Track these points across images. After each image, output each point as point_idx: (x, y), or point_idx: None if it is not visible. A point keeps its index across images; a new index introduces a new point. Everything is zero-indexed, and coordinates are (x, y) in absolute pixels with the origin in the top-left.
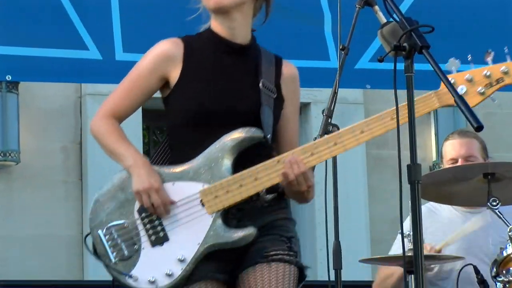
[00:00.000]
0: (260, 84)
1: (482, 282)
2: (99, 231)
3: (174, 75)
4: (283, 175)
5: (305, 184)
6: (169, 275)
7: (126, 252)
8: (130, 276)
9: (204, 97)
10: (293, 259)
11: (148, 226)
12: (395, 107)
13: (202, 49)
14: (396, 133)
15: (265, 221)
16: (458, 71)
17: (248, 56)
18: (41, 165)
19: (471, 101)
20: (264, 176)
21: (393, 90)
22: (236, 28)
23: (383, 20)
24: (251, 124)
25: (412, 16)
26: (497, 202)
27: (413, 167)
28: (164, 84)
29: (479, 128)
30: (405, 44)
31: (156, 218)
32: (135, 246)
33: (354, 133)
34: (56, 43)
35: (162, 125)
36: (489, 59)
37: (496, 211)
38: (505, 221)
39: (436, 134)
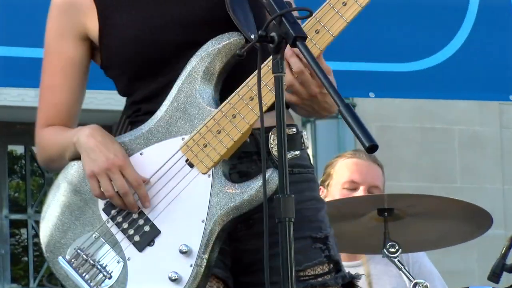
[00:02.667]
0: None
1: None
2: (60, 258)
3: (92, 24)
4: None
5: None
6: (176, 280)
7: (107, 275)
8: None
9: (139, 27)
10: (338, 279)
11: (125, 225)
12: None
13: None
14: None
15: None
16: None
17: None
18: None
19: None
20: (242, 107)
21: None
22: None
23: None
24: (221, 33)
25: None
26: (397, 248)
27: (284, 199)
28: (90, 43)
29: (373, 148)
30: (272, 34)
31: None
32: (117, 260)
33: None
34: None
35: None
36: None
37: (395, 260)
38: (407, 274)
39: (315, 156)
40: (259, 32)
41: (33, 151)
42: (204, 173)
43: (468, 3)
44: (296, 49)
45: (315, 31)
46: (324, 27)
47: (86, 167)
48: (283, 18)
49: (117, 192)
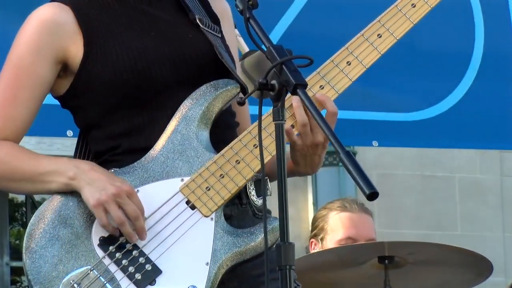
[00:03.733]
0: (197, 21)
1: None
2: None
3: (75, 49)
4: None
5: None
6: None
7: None
8: None
9: (136, 57)
10: None
11: (125, 262)
12: None
13: (100, 2)
14: None
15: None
16: None
17: None
18: None
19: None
20: (246, 155)
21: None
22: None
23: (245, 48)
24: (212, 78)
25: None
26: None
27: (284, 247)
28: (60, 69)
29: (373, 195)
30: (273, 82)
31: (132, 247)
32: None
33: (367, 40)
34: None
35: None
36: None
37: None
38: None
39: (315, 203)
40: (260, 80)
41: (34, 198)
42: (207, 216)
43: (472, 53)
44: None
45: (347, 63)
46: (357, 58)
47: (90, 197)
48: (283, 66)
49: (127, 217)
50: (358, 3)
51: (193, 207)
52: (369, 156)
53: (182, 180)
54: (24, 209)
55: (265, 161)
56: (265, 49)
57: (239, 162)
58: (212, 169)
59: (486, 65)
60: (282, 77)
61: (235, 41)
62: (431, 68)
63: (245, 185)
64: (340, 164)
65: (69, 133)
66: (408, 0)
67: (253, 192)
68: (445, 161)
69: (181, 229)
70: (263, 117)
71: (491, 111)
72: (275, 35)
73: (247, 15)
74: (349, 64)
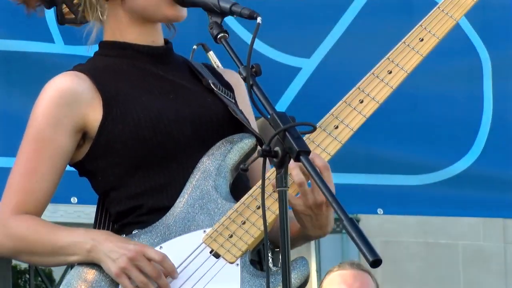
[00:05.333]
0: (212, 86)
1: None
2: None
3: (93, 114)
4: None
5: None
6: None
7: None
8: None
9: (157, 117)
10: None
11: None
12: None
13: (116, 68)
14: None
15: None
16: None
17: (175, 59)
18: None
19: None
20: (266, 199)
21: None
22: (157, 30)
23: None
24: (228, 136)
25: None
26: None
27: None
28: (80, 137)
29: (376, 262)
30: (277, 149)
31: None
32: None
33: (378, 78)
34: None
35: None
36: None
37: None
38: None
39: (318, 271)
40: (263, 147)
41: (37, 266)
42: (231, 263)
43: (481, 121)
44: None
45: (360, 101)
46: (368, 95)
47: (111, 268)
48: (287, 133)
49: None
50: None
51: (217, 255)
52: (373, 223)
53: (204, 231)
54: (27, 276)
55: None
56: (268, 116)
57: (259, 207)
58: (232, 216)
59: (495, 134)
60: (286, 143)
61: (251, 110)
62: (442, 133)
63: (264, 252)
64: (344, 231)
65: (74, 199)
66: (416, 34)
67: (270, 260)
68: (448, 228)
69: (206, 277)
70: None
71: (496, 180)
72: (284, 102)
73: (250, 82)
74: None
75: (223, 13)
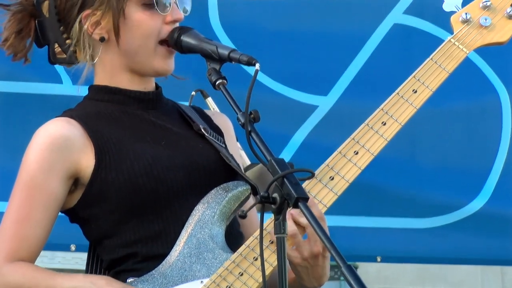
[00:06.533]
0: (202, 131)
1: None
2: None
3: (86, 161)
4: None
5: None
6: None
7: None
8: None
9: (151, 164)
10: None
11: None
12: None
13: (108, 115)
14: None
15: None
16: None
17: (165, 104)
18: None
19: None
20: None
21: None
22: (149, 78)
23: (247, 162)
24: (222, 182)
25: None
26: None
27: None
28: (72, 183)
29: None
30: (275, 195)
31: None
32: None
33: (372, 130)
34: None
35: None
36: None
37: None
38: None
39: None
40: (262, 193)
41: None
42: None
43: (490, 172)
44: (294, 211)
45: (355, 152)
46: (363, 146)
47: None
48: (285, 180)
49: None
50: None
51: None
52: (371, 270)
53: (201, 282)
54: None
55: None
56: (267, 163)
57: (256, 259)
58: (230, 267)
59: (501, 186)
60: (284, 190)
61: (239, 155)
62: (452, 177)
63: None
64: (342, 277)
65: (72, 247)
66: (410, 86)
67: None
68: (446, 275)
69: None
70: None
71: (495, 228)
72: (290, 149)
73: (249, 129)
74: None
75: (221, 60)
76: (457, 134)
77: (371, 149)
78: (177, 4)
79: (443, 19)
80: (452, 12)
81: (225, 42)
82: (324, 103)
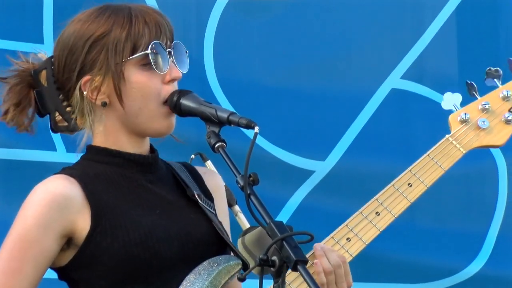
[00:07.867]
0: (196, 197)
1: None
2: None
3: (82, 223)
4: None
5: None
6: None
7: None
8: None
9: (146, 234)
10: None
11: None
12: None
13: (107, 177)
14: None
15: None
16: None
17: (160, 168)
18: None
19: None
20: None
21: None
22: (146, 138)
23: (246, 225)
24: (214, 254)
25: None
26: None
27: None
28: (65, 242)
29: None
30: (274, 258)
31: None
32: None
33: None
34: None
35: None
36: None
37: None
38: None
39: None
40: (261, 256)
41: None
42: None
43: (487, 234)
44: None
45: (347, 239)
46: (356, 235)
47: None
48: (284, 242)
49: None
50: (365, 182)
51: None
52: None
53: None
54: None
55: None
56: (266, 225)
57: None
58: None
59: (498, 249)
60: (283, 253)
61: (227, 217)
62: (449, 241)
63: None
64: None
65: None
66: (405, 179)
67: None
68: None
69: None
70: None
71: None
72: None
73: (248, 191)
74: (349, 241)
75: (220, 123)
76: (455, 197)
77: (363, 238)
78: (174, 63)
79: (440, 84)
80: (451, 111)
81: (222, 99)
82: (321, 168)
